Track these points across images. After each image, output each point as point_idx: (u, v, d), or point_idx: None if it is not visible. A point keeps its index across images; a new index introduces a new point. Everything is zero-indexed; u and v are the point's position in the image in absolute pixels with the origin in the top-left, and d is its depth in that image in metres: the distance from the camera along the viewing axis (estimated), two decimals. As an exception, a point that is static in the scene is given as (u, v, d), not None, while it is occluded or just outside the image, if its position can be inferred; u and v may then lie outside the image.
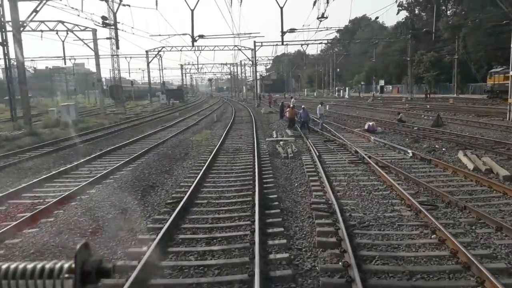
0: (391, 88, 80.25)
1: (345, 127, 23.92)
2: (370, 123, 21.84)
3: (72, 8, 24.82)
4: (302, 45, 52.90)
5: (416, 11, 79.25)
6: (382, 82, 78.83)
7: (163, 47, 55.62)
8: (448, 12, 74.93)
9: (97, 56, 34.24)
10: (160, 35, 37.40)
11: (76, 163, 13.98)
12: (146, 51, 57.62)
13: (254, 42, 52.39)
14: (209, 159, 13.83)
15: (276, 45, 52.78)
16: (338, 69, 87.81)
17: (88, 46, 33.78)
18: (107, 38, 41.62)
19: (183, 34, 32.50)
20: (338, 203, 8.42)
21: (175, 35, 36.10)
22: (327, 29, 35.49)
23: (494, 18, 44.12)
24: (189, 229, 7.50)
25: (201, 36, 28.80)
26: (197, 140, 20.21)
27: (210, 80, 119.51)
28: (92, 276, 1.01)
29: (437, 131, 20.64)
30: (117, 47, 39.55)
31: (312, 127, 22.39)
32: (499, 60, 46.66)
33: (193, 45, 27.71)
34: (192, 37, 27.28)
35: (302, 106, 22.04)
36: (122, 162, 13.90)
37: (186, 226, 7.68)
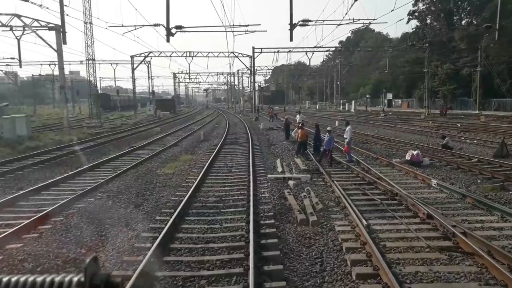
0: (400, 103, 74.32)
1: (375, 154, 17.60)
2: (414, 153, 15.51)
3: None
4: (306, 52, 46.94)
5: (428, 21, 73.77)
6: (390, 96, 72.85)
7: (150, 52, 49.52)
8: (463, 22, 69.50)
9: (60, 58, 27.95)
10: (123, 25, 30.82)
11: None
12: (131, 56, 51.44)
13: (253, 48, 46.50)
14: (166, 227, 7.44)
15: (278, 51, 46.86)
16: (342, 81, 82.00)
17: (50, 46, 27.51)
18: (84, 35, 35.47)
19: (155, 25, 25.97)
20: None
21: (143, 26, 29.29)
22: (353, 21, 29.25)
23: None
24: None
25: (179, 28, 22.34)
26: (166, 175, 13.80)
27: (206, 90, 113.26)
28: None
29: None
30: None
31: (335, 158, 15.93)
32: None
33: (168, 40, 21.48)
34: (167, 28, 20.88)
35: (328, 129, 15.59)
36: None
37: None
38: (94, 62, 38.87)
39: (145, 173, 13.91)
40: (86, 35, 38.09)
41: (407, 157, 15.64)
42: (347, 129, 16.09)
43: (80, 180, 12.88)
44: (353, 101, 70.62)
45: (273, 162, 16.20)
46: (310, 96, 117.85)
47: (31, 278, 1.04)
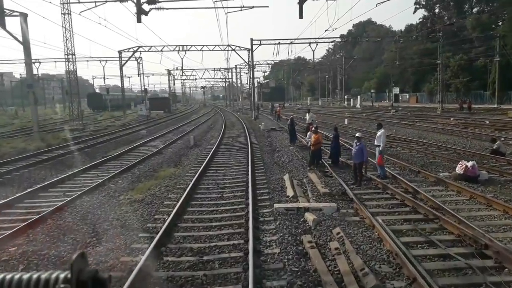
0: (407, 97, 70.18)
1: (409, 164, 13.63)
2: (468, 164, 11.50)
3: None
4: (310, 43, 42.78)
5: (436, 10, 69.59)
6: (397, 90, 68.56)
7: (140, 46, 45.39)
8: (473, 10, 65.28)
9: (27, 52, 23.93)
10: (79, 1, 26.49)
11: None
12: (119, 52, 47.24)
13: (251, 40, 42.36)
14: None
15: (279, 43, 42.67)
16: (345, 76, 77.83)
17: (16, 39, 23.44)
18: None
19: (122, 0, 21.13)
20: None
21: (106, 1, 24.69)
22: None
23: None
24: None
25: (152, 2, 17.84)
26: (131, 204, 9.79)
27: (203, 87, 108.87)
28: (88, 286, 0.99)
29: None
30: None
31: (365, 174, 11.73)
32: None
33: (139, 19, 17.14)
34: (138, 3, 16.64)
35: (358, 135, 11.52)
36: None
37: None
38: (74, 57, 34.77)
39: (99, 204, 9.86)
40: (65, 27, 34.00)
41: (459, 169, 11.66)
42: (379, 133, 12.05)
43: None
44: (358, 97, 66.46)
45: (279, 179, 12.20)
46: (311, 92, 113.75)
47: (17, 276, 1.02)
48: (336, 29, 33.56)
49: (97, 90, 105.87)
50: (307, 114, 21.14)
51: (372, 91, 77.92)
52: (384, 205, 9.09)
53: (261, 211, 8.78)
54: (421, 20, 71.05)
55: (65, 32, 34.20)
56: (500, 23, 57.37)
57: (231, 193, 10.51)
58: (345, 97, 70.37)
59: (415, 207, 8.69)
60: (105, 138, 25.95)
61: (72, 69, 34.82)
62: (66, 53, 34.49)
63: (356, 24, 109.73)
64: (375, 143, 12.12)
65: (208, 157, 16.11)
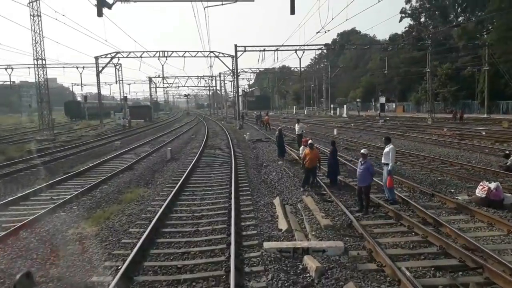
0: (394, 106, 69.31)
1: (417, 184, 11.81)
2: (492, 186, 9.70)
3: None
4: (296, 50, 41.18)
5: (422, 19, 69.24)
6: (383, 100, 67.61)
7: (118, 52, 43.00)
8: (459, 19, 65.05)
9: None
10: None
11: None
12: (95, 58, 44.72)
13: (235, 46, 40.55)
14: None
15: (264, 50, 40.90)
16: (330, 85, 76.54)
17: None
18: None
19: None
20: None
21: None
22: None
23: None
24: None
25: None
26: (79, 240, 7.60)
27: (186, 96, 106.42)
28: None
29: None
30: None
31: (373, 198, 9.75)
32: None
33: (100, 13, 14.94)
34: None
35: (363, 151, 9.40)
36: None
37: None
38: (44, 62, 32.25)
39: (37, 243, 7.64)
40: (34, 31, 31.54)
41: (480, 192, 9.86)
42: (387, 149, 10.14)
43: None
44: (344, 106, 65.23)
45: (268, 204, 10.19)
46: (296, 101, 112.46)
47: None
48: (329, 30, 31.35)
49: (79, 98, 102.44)
50: (296, 125, 19.17)
51: (358, 100, 76.97)
52: (403, 244, 7.14)
53: (247, 255, 6.72)
54: (406, 29, 70.60)
55: (34, 36, 31.73)
56: (486, 32, 57.11)
57: (209, 226, 8.42)
58: (331, 106, 69.00)
59: (444, 247, 6.77)
60: (75, 150, 23.57)
61: (42, 75, 32.24)
62: (35, 57, 31.96)
63: (341, 33, 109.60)
64: (383, 161, 10.21)
65: (186, 173, 14.00)
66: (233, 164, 15.55)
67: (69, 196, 11.06)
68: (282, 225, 8.21)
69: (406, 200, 9.79)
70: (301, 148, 12.77)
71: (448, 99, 53.89)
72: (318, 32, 25.86)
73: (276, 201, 10.14)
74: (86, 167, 16.53)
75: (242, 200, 10.50)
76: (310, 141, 11.69)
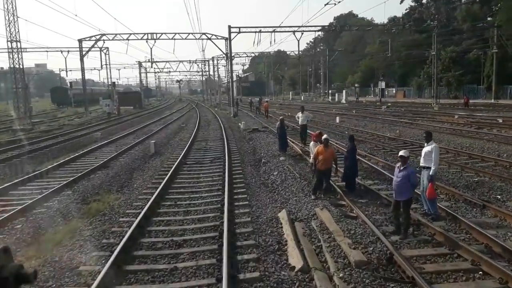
0: (394, 92, 66.92)
1: (455, 189, 9.52)
2: None
3: None
4: (294, 32, 38.41)
5: (424, 1, 66.36)
6: (383, 85, 65.08)
7: (103, 34, 39.93)
8: (463, 0, 62.23)
9: None
10: None
11: None
12: (79, 40, 41.59)
13: (229, 27, 37.76)
14: None
15: (260, 31, 38.14)
16: (324, 69, 73.81)
17: None
18: None
19: None
20: None
21: None
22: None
23: None
24: None
25: None
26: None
27: (179, 81, 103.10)
28: (10, 282, 0.95)
29: None
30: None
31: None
32: None
33: None
34: None
35: (401, 154, 6.90)
36: None
37: None
38: (19, 45, 29.36)
39: None
40: (7, 10, 28.54)
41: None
42: (429, 148, 7.77)
43: None
44: (344, 91, 62.71)
45: (272, 219, 7.84)
46: (292, 87, 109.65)
47: None
48: (339, 2, 27.73)
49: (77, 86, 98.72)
50: (299, 113, 16.53)
51: (356, 85, 74.45)
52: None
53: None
54: (407, 10, 67.79)
55: (8, 15, 28.75)
56: (491, 14, 54.63)
57: (192, 260, 6.04)
58: (329, 92, 66.41)
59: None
60: (49, 143, 21.01)
61: (17, 59, 29.39)
62: (9, 39, 29.04)
63: (337, 16, 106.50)
64: (422, 164, 7.86)
65: (169, 174, 11.59)
66: (226, 161, 13.15)
67: (13, 212, 8.59)
68: (295, 259, 5.86)
69: (451, 213, 7.49)
70: (311, 144, 10.32)
71: (452, 84, 51.54)
72: (327, 4, 23.02)
73: (282, 216, 7.80)
74: (54, 165, 14.04)
75: (238, 214, 8.14)
76: (325, 136, 9.22)
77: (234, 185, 10.59)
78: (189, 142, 18.63)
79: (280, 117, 16.16)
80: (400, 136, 20.58)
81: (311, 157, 9.52)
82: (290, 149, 15.33)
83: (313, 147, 9.68)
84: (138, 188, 10.75)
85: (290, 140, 16.37)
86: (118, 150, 17.32)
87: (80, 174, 12.24)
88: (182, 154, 15.20)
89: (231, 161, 13.82)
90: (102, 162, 14.27)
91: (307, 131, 16.47)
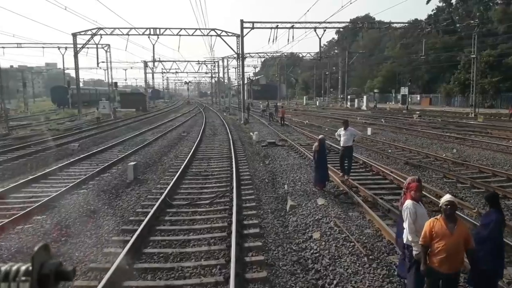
0: (418, 99, 61.62)
1: None
2: None
3: None
4: (316, 28, 33.60)
5: (453, 0, 61.14)
6: (405, 91, 59.88)
7: (100, 28, 35.53)
8: (498, 0, 56.98)
9: None
10: None
11: None
12: (73, 35, 37.21)
13: (241, 22, 33.25)
14: None
15: (277, 27, 33.40)
16: (342, 73, 68.69)
17: None
18: None
19: None
20: None
21: None
22: None
23: None
24: None
25: None
26: None
27: (187, 83, 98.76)
28: (51, 279, 0.95)
29: None
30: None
31: None
32: None
33: None
34: None
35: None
36: None
37: None
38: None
39: None
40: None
41: None
42: None
43: None
44: (364, 97, 57.63)
45: None
46: (305, 91, 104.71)
47: None
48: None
49: (82, 85, 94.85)
50: (341, 130, 11.27)
51: (376, 91, 69.30)
52: None
53: None
54: (434, 11, 62.62)
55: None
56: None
57: None
58: (348, 97, 61.28)
59: None
60: (14, 155, 16.59)
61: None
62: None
63: (353, 19, 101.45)
64: None
65: (144, 223, 6.87)
66: (234, 205, 8.37)
67: None
68: None
69: None
70: (409, 205, 4.96)
71: (488, 91, 46.20)
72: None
73: None
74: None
75: None
76: (449, 198, 4.26)
77: (247, 268, 5.82)
78: (186, 162, 13.87)
79: (320, 136, 10.74)
80: (460, 157, 15.67)
81: (413, 237, 4.57)
82: (328, 183, 10.46)
83: (420, 219, 4.64)
84: (89, 256, 6.01)
85: (332, 170, 11.40)
86: (88, 172, 12.68)
87: (7, 220, 7.57)
88: (171, 184, 10.46)
89: (241, 203, 9.05)
90: (54, 195, 9.60)
91: (353, 154, 11.45)
